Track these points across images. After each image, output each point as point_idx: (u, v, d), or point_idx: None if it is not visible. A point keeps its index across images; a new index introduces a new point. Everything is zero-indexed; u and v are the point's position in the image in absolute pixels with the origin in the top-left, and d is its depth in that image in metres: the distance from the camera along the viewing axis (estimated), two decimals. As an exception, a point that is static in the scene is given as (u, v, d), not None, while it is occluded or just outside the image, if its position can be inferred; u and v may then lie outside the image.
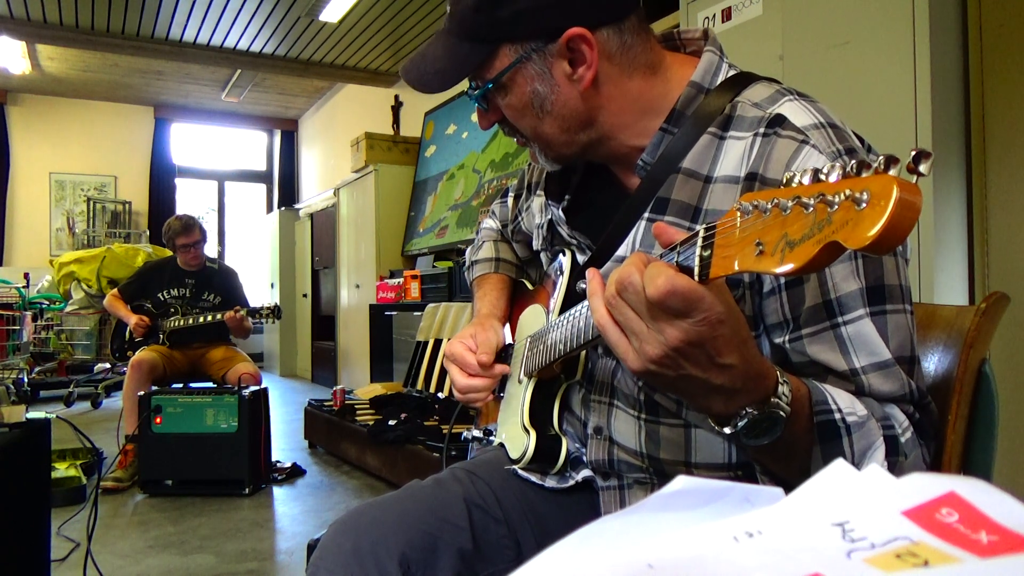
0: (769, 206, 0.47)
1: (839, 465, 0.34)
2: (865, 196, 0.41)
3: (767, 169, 0.74)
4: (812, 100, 0.79)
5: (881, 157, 0.42)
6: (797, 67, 2.21)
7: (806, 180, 0.46)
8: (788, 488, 0.34)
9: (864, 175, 0.42)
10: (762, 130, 0.76)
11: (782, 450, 0.66)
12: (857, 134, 0.77)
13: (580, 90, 0.81)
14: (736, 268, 0.50)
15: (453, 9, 0.83)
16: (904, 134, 1.94)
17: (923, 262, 1.92)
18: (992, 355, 0.90)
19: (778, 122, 0.75)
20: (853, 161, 0.43)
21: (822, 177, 0.45)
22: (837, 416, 0.66)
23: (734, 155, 0.78)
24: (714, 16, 2.47)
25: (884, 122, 1.98)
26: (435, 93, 0.86)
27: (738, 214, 0.51)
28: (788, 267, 0.45)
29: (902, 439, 0.70)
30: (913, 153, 0.41)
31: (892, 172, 0.41)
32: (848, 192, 0.42)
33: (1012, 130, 1.96)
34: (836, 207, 0.42)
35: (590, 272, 0.65)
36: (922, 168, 0.41)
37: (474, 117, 0.93)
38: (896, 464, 0.69)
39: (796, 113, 0.76)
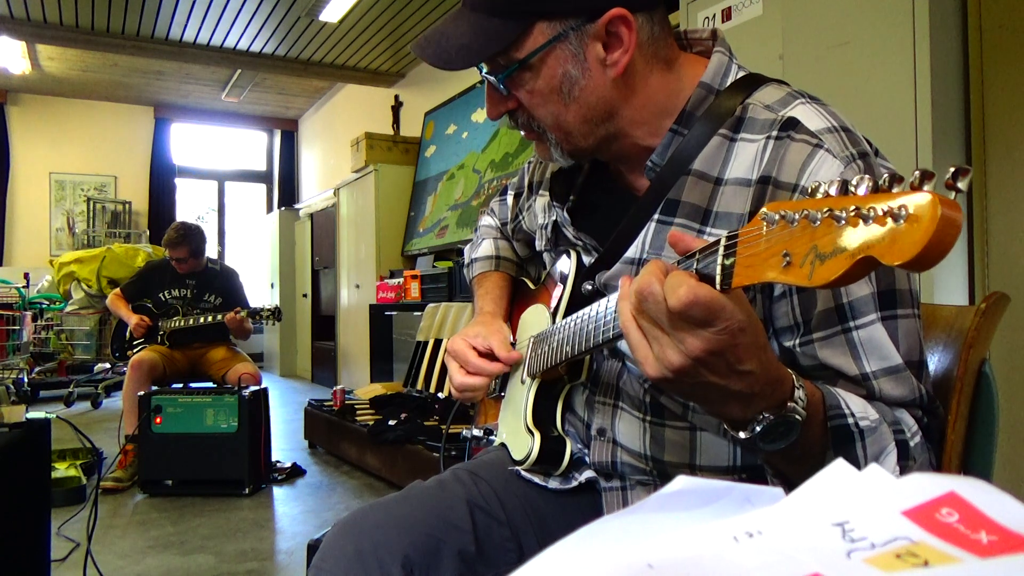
0: (797, 216, 0.46)
1: (839, 465, 0.34)
2: (904, 212, 0.40)
3: (780, 172, 0.73)
4: (823, 103, 0.78)
5: (916, 172, 0.41)
6: (797, 67, 2.21)
7: (833, 191, 0.45)
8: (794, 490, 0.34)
9: (896, 189, 0.41)
10: (775, 133, 0.75)
11: (795, 454, 0.66)
12: (865, 138, 0.77)
13: (612, 77, 0.78)
14: (763, 278, 0.49)
15: None
16: (904, 134, 1.93)
17: (923, 262, 1.92)
18: (992, 355, 0.90)
19: (791, 125, 0.75)
20: (886, 174, 0.42)
21: (851, 189, 0.44)
22: (851, 421, 0.66)
23: (745, 157, 0.77)
24: (714, 16, 2.47)
25: (884, 122, 1.97)
26: (457, 70, 0.81)
27: (763, 223, 0.49)
28: (819, 280, 0.44)
29: (912, 443, 0.70)
30: (952, 169, 0.40)
31: (927, 187, 0.40)
32: (887, 207, 0.41)
33: (1012, 130, 1.96)
34: (871, 222, 0.41)
35: (623, 279, 0.64)
36: (960, 184, 0.40)
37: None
38: (906, 468, 0.69)
39: (809, 116, 0.75)
